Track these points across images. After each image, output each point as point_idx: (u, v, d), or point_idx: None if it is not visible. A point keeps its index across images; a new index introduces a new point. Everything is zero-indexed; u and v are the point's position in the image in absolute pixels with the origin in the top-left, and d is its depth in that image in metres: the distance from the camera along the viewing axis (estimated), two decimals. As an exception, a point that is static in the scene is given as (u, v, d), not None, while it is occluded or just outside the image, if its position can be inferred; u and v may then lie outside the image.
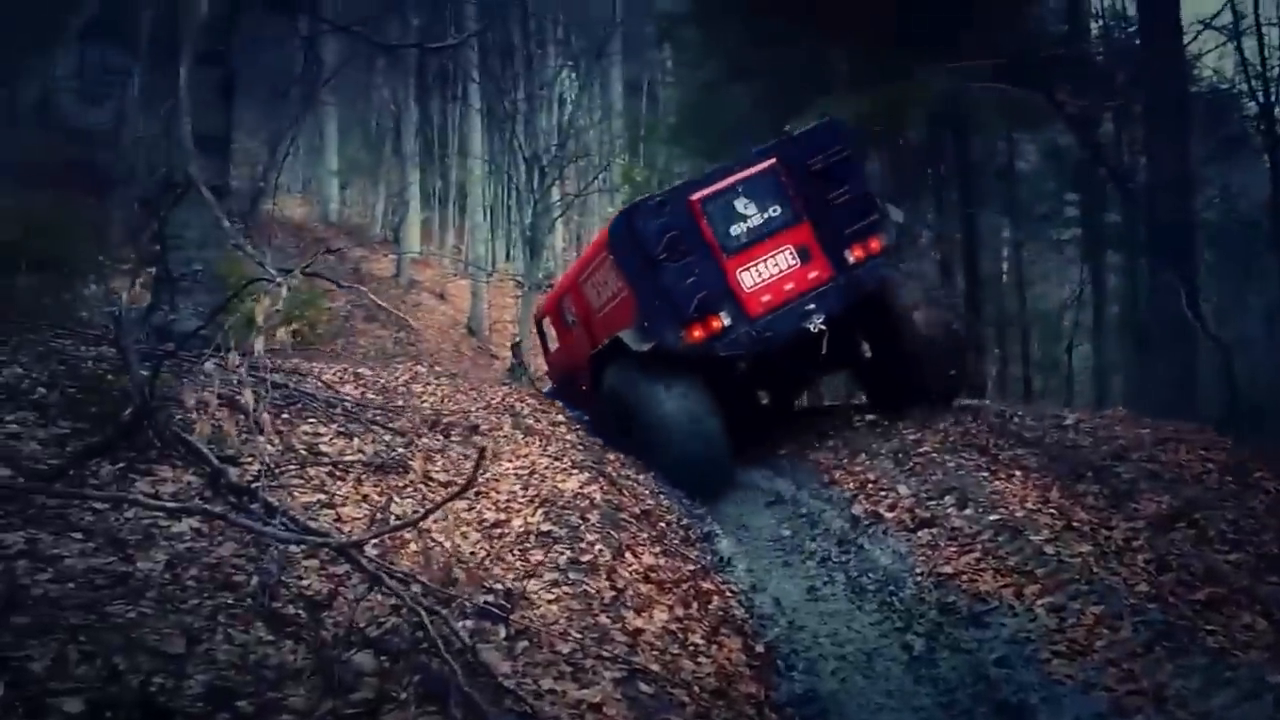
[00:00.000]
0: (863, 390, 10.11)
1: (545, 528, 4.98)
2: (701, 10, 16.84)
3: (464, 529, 4.74)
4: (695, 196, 7.87)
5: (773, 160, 8.06)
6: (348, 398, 6.83)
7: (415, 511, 4.54)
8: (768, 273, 7.90)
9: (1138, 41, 14.43)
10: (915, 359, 8.40)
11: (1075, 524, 5.64)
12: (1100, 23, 17.23)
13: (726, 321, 7.73)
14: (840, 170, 8.02)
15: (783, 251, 7.94)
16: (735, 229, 7.86)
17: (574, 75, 26.80)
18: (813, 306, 7.84)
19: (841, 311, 7.96)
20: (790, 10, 13.98)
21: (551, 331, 10.93)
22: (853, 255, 7.98)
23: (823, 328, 7.81)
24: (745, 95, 16.58)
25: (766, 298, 7.86)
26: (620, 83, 30.49)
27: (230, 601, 3.26)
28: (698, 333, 7.68)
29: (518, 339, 16.68)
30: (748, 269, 7.86)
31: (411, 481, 5.32)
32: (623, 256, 8.07)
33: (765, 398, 8.96)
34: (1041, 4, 16.58)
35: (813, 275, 7.96)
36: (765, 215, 7.92)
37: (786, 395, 10.37)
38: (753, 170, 8.01)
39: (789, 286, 7.91)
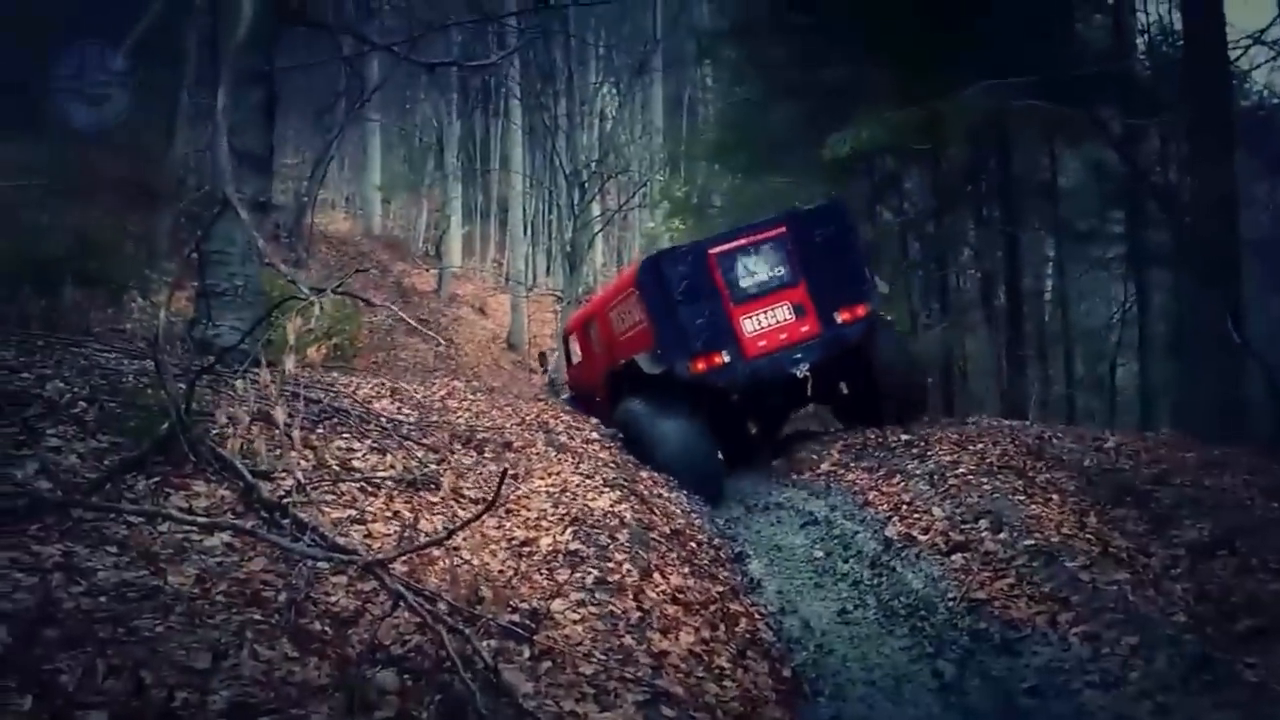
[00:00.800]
0: (837, 419, 11.25)
1: (574, 546, 4.97)
2: (741, 28, 16.85)
3: (492, 547, 4.75)
4: (713, 251, 9.13)
5: (782, 229, 9.27)
6: (383, 413, 6.89)
7: (444, 528, 4.56)
8: (766, 322, 9.14)
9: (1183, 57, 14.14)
10: (883, 400, 9.66)
11: (1112, 550, 5.54)
12: (1145, 37, 16.93)
13: (726, 358, 8.96)
14: (839, 244, 9.35)
15: (781, 306, 9.18)
16: (743, 282, 9.12)
17: (615, 91, 26.93)
18: (800, 355, 9.11)
19: (824, 361, 9.16)
20: (830, 27, 13.97)
21: (575, 348, 12.17)
22: (840, 317, 9.23)
23: (807, 373, 9.09)
24: (785, 112, 16.56)
25: (763, 343, 9.10)
26: (661, 99, 30.59)
27: (258, 617, 3.29)
28: (701, 365, 8.91)
29: (553, 350, 16.78)
30: (750, 317, 9.11)
31: (442, 498, 5.34)
32: (647, 293, 9.19)
33: (754, 427, 10.25)
34: (1085, 19, 16.38)
35: (804, 329, 9.20)
36: (770, 274, 9.17)
37: (773, 425, 11.43)
38: (764, 235, 9.25)
39: (783, 336, 9.15)
